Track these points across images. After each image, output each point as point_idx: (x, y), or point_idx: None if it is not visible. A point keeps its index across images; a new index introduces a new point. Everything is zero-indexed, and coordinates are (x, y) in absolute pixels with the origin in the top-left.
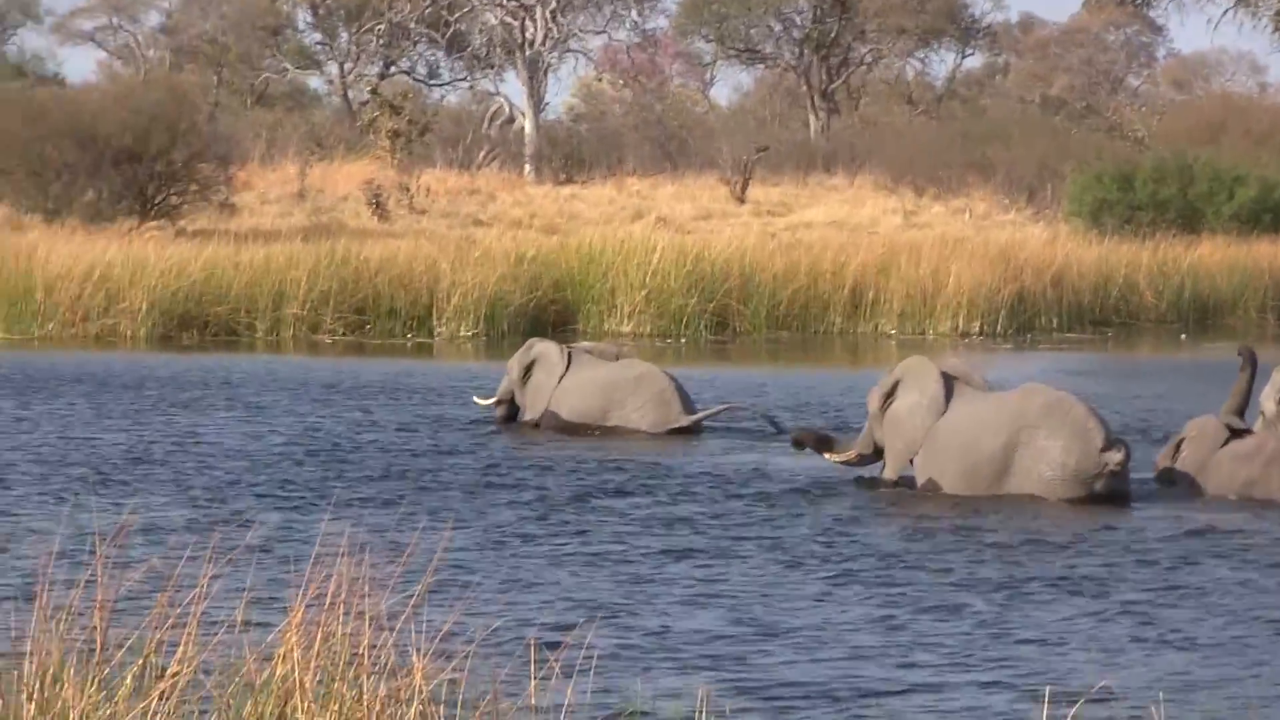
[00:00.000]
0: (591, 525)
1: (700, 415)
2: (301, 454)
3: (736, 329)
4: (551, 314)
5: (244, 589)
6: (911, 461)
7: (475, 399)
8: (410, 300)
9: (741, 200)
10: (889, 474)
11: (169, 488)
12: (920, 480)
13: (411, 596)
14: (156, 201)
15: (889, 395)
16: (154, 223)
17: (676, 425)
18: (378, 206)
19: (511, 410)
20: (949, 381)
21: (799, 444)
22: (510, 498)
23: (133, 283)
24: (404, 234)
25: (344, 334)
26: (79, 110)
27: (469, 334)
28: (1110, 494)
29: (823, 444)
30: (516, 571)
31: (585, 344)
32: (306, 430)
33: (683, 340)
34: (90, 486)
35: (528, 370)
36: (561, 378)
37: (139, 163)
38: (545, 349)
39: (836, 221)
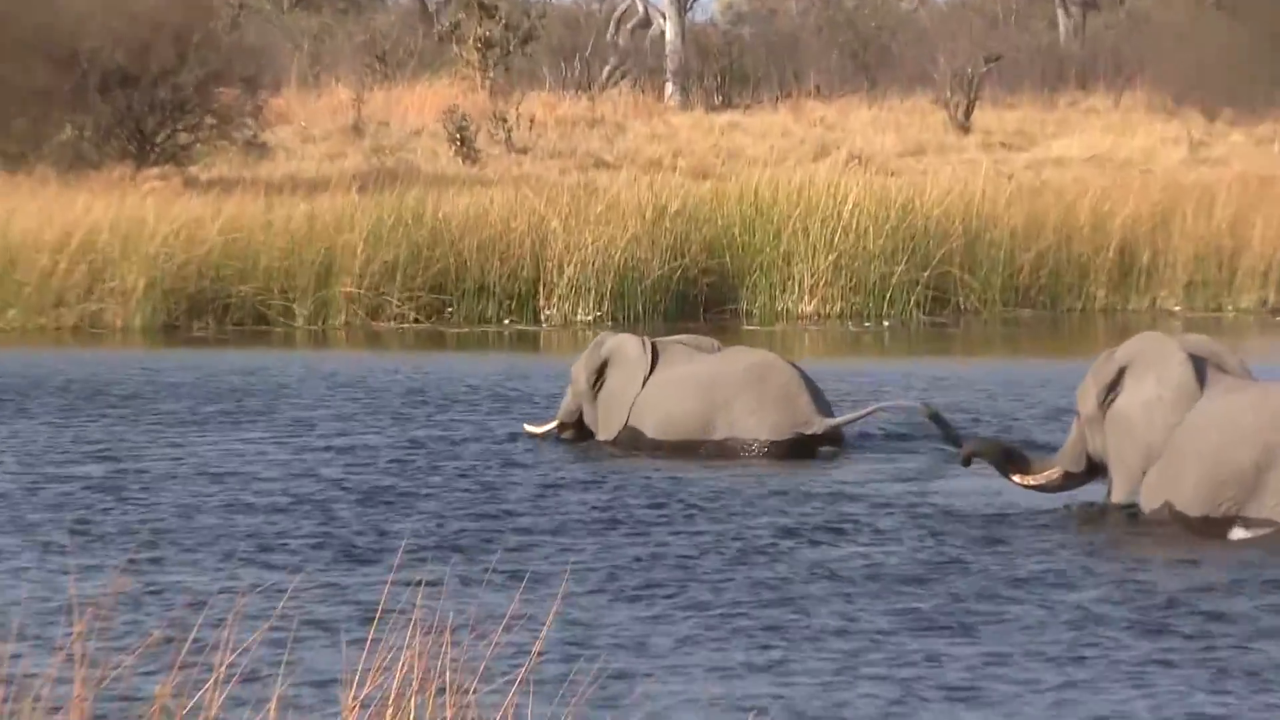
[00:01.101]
0: (728, 592)
1: (842, 420)
2: (357, 489)
3: (960, 306)
4: (703, 290)
5: (276, 677)
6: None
7: (526, 427)
8: (508, 273)
9: (965, 129)
10: (1117, 496)
11: (174, 540)
12: (1149, 504)
13: (509, 686)
14: (158, 141)
15: (1111, 388)
16: (155, 170)
17: (807, 430)
18: (463, 144)
19: (580, 435)
20: (1199, 365)
21: (971, 460)
22: (619, 554)
23: (125, 253)
24: (499, 181)
25: (416, 320)
26: (54, 18)
27: (588, 318)
28: None
29: (1011, 461)
30: (660, 658)
31: (676, 336)
32: (364, 456)
33: (886, 323)
34: (67, 536)
35: (598, 375)
36: (646, 380)
37: (135, 88)
38: (620, 344)
39: (1097, 157)
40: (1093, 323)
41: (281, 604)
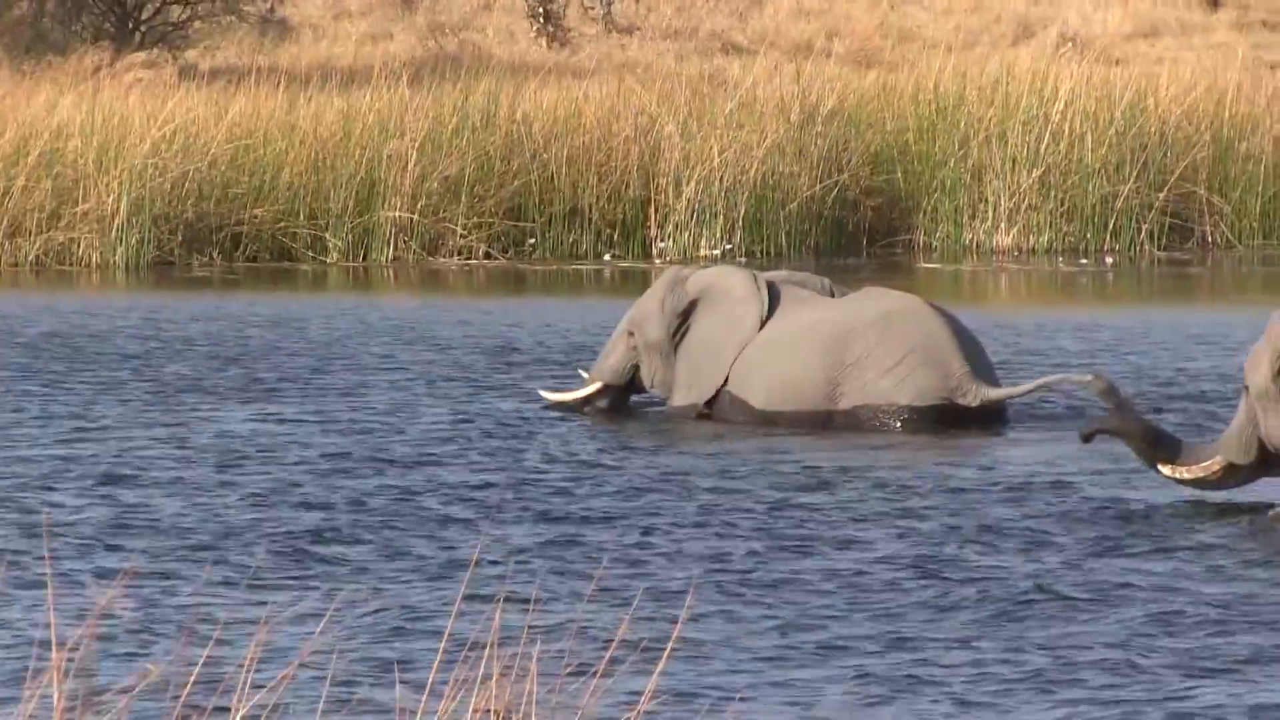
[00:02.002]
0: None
1: (1005, 392)
2: (411, 479)
3: (1207, 238)
4: (866, 216)
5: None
6: None
7: (543, 393)
8: (608, 194)
9: (1214, 4)
10: None
11: (175, 548)
12: None
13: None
14: (145, 17)
15: None
16: (141, 55)
17: (959, 400)
18: (547, 20)
19: (617, 404)
20: None
21: (1090, 437)
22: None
23: (103, 166)
24: (596, 71)
25: (488, 255)
26: None
27: (714, 252)
28: None
29: (1160, 447)
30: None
31: (776, 273)
32: (419, 438)
33: (1109, 260)
34: (29, 542)
35: (682, 319)
36: (761, 327)
37: None
38: (719, 279)
39: None
40: None
41: (320, 627)
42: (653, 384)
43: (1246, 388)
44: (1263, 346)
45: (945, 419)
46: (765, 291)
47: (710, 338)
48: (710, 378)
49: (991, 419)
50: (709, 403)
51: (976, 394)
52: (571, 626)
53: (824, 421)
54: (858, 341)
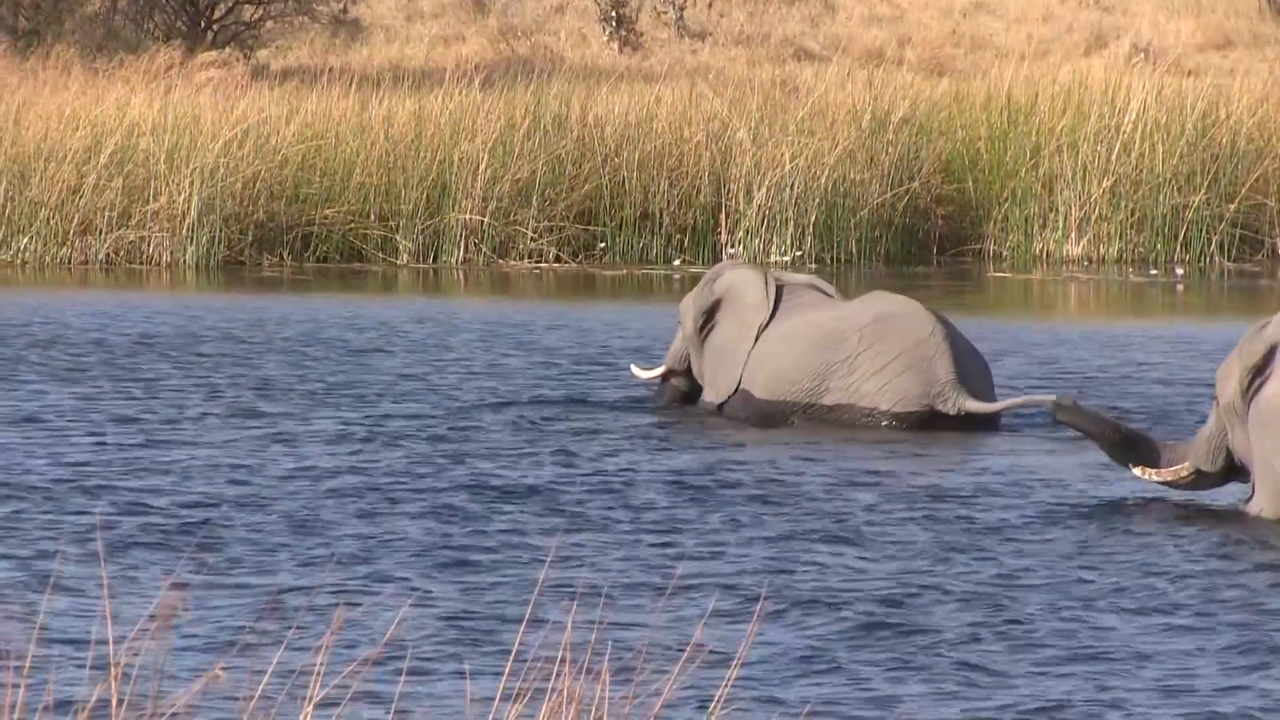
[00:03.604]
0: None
1: (985, 406)
2: (479, 483)
3: (1279, 250)
4: (936, 224)
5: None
6: None
7: (634, 368)
8: (679, 199)
9: None
10: (1262, 502)
11: (242, 551)
12: None
13: None
14: (217, 16)
15: (1259, 372)
16: (213, 55)
17: (940, 406)
18: (620, 25)
19: (690, 385)
20: None
21: (1073, 427)
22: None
23: (173, 165)
24: (668, 76)
25: (558, 259)
26: None
27: (785, 259)
28: None
29: (1132, 449)
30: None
31: (801, 276)
32: (488, 442)
33: (1179, 271)
34: (112, 534)
35: (708, 317)
36: (764, 328)
37: None
38: (738, 281)
39: None
40: None
41: (392, 626)
42: (695, 374)
43: (1217, 399)
44: (1234, 360)
45: (929, 423)
46: (773, 295)
47: (726, 341)
48: (727, 379)
49: (980, 428)
50: (729, 401)
51: (956, 403)
52: (643, 633)
53: (812, 416)
54: (849, 342)
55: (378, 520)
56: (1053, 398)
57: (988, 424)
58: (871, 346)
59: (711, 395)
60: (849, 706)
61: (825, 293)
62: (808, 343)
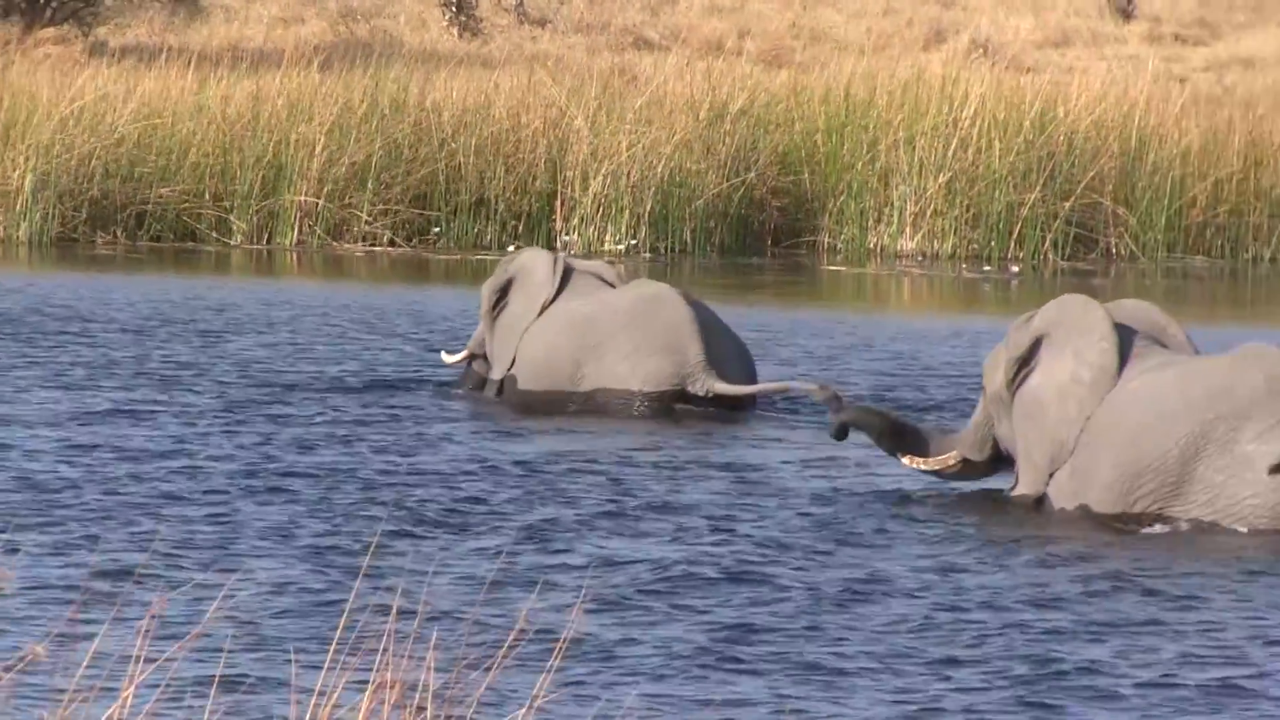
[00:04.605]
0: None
1: (733, 389)
2: (304, 463)
3: (1112, 249)
4: (772, 216)
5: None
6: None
7: (444, 355)
8: (515, 185)
9: (1126, 15)
10: (1025, 489)
11: (52, 532)
12: (1061, 499)
13: None
14: None
15: (1024, 363)
16: (50, 32)
17: (690, 387)
18: (459, 10)
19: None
20: (1127, 339)
21: (846, 431)
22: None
23: (10, 140)
24: (507, 62)
25: (393, 243)
26: None
27: (619, 247)
28: None
29: (902, 439)
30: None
31: (589, 263)
32: (317, 422)
33: (1014, 269)
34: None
35: (500, 296)
36: (547, 304)
37: None
38: (527, 262)
39: None
40: None
41: (213, 606)
42: (490, 355)
43: (985, 389)
44: (1001, 352)
45: (681, 404)
46: (559, 275)
47: (512, 319)
48: (506, 355)
49: (732, 410)
50: (506, 381)
51: (705, 385)
52: (467, 618)
53: (570, 402)
54: (603, 326)
55: (206, 501)
56: (813, 386)
57: (743, 408)
58: (624, 330)
59: (495, 373)
60: (673, 685)
61: (608, 281)
62: (566, 331)
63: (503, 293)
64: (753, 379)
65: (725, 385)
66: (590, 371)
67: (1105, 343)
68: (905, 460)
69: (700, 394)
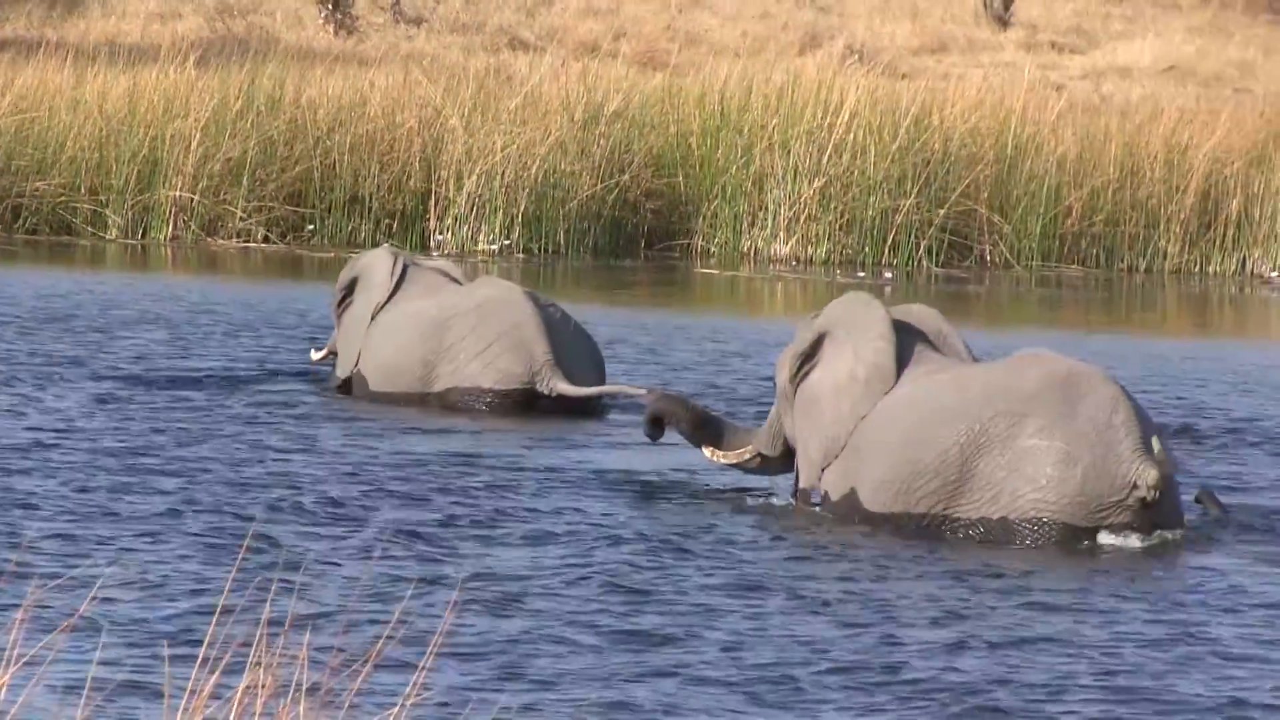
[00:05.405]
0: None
1: (576, 390)
2: (168, 457)
3: (986, 257)
4: (645, 218)
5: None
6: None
7: (312, 351)
8: (389, 184)
9: (1003, 22)
10: (802, 483)
11: None
12: (834, 495)
13: None
14: None
15: (807, 359)
16: None
17: (538, 386)
18: (336, 8)
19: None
20: (905, 339)
21: (658, 424)
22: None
23: None
24: (382, 60)
25: (266, 239)
26: None
27: (492, 247)
28: (1138, 528)
29: (705, 431)
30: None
31: (433, 262)
32: (179, 415)
33: (887, 275)
34: None
35: (345, 294)
36: (380, 308)
37: None
38: (370, 261)
39: (1176, 68)
40: (1160, 287)
41: (90, 595)
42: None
43: (776, 385)
44: (790, 348)
45: (530, 403)
46: (398, 274)
47: (353, 319)
48: (350, 354)
49: (579, 411)
50: (353, 378)
51: (550, 384)
52: (342, 617)
53: (421, 403)
54: (454, 327)
55: (81, 498)
56: (642, 390)
57: (587, 408)
58: (474, 330)
59: (339, 372)
60: (552, 686)
61: (454, 278)
62: (413, 333)
63: (348, 291)
64: (602, 379)
65: (568, 386)
66: (443, 372)
67: (883, 342)
68: (706, 452)
69: (546, 393)
